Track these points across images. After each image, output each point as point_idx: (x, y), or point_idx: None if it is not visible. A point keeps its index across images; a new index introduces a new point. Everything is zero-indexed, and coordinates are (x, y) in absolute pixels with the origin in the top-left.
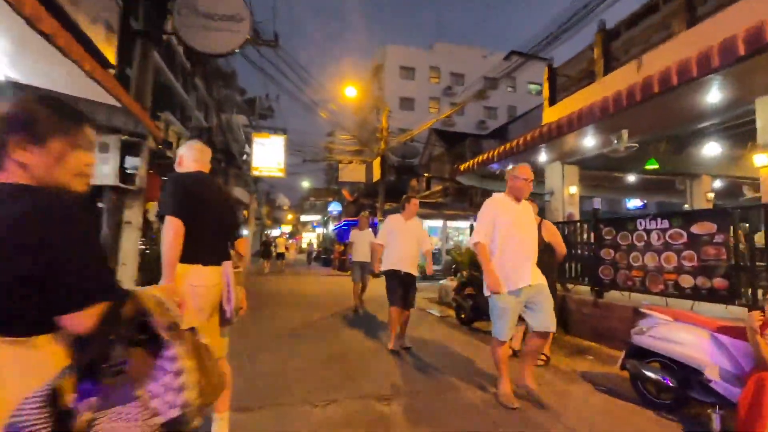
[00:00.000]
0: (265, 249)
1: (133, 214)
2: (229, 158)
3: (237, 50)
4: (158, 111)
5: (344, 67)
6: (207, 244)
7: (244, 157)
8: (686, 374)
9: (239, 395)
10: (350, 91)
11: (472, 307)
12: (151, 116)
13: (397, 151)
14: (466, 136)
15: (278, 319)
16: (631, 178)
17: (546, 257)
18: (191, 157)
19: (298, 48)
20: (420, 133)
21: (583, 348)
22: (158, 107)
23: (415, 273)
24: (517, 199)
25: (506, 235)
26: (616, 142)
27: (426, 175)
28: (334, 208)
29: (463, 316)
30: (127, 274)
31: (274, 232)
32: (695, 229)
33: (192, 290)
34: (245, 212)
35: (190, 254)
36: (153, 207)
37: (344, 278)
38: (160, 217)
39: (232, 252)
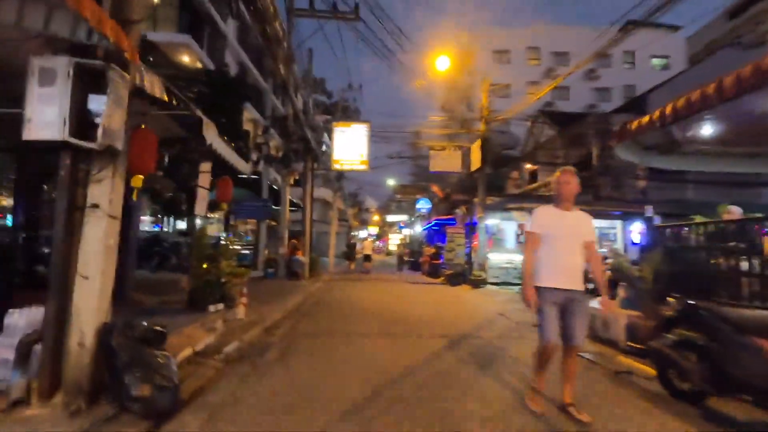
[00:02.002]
0: (348, 251)
1: (100, 192)
2: (307, 149)
3: None
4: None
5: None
6: None
7: (324, 148)
8: None
9: None
10: (442, 63)
11: (708, 370)
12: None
13: (495, 141)
14: (585, 114)
15: (351, 361)
16: None
17: None
18: None
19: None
20: (520, 121)
21: None
22: (239, 100)
23: None
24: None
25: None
26: None
27: (528, 166)
28: (423, 205)
29: (683, 387)
30: (90, 293)
31: (361, 234)
32: None
33: None
34: (331, 213)
35: None
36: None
37: (441, 288)
38: None
39: None
